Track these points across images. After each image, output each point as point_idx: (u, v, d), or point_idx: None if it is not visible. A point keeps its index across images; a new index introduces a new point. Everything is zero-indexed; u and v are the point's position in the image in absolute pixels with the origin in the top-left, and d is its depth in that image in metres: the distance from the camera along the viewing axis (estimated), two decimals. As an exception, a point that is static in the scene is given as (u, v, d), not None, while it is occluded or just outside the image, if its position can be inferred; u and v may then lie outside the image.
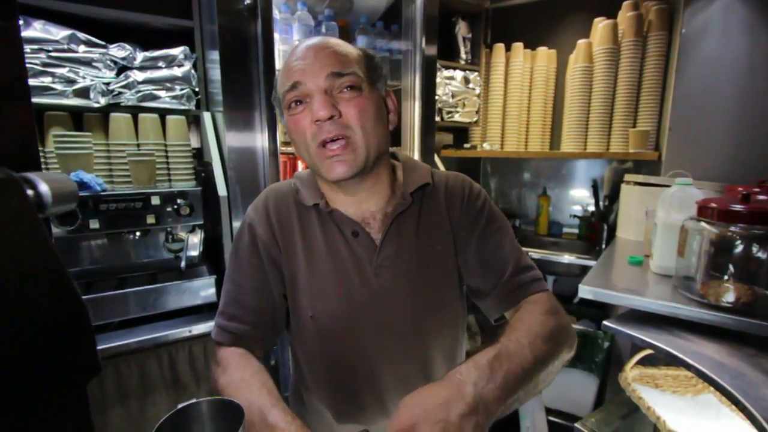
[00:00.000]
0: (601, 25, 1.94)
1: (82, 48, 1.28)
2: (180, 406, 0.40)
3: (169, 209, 1.30)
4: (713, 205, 0.95)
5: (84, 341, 0.25)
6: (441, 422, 0.44)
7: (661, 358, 1.15)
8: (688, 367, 0.82)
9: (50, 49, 1.23)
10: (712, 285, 0.96)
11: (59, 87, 1.25)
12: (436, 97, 1.89)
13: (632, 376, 1.11)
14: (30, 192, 0.24)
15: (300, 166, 1.60)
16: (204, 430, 0.42)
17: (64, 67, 1.25)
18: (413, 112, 1.73)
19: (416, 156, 1.75)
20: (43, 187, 0.24)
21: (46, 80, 1.22)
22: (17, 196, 0.22)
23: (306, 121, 0.65)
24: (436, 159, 1.93)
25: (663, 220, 1.16)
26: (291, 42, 1.51)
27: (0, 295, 0.21)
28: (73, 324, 0.24)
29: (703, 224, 0.97)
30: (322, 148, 0.65)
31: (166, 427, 0.38)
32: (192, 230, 1.41)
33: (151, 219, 1.27)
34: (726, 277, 0.96)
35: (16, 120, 0.29)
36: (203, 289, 1.31)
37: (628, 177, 1.72)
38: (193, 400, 0.41)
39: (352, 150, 0.65)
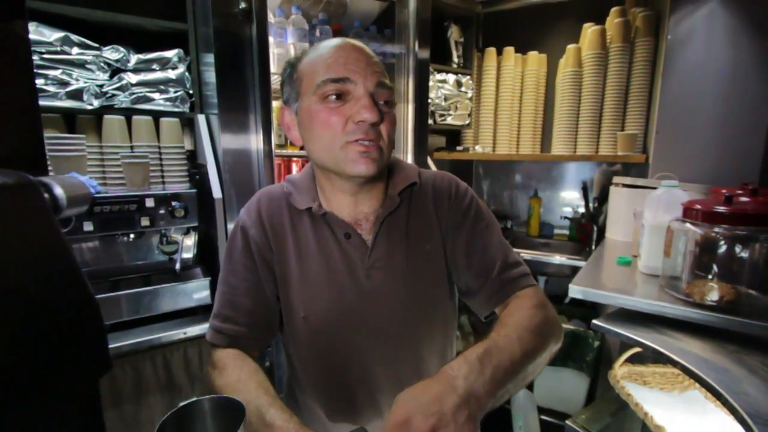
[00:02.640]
0: (590, 30, 1.98)
1: (75, 50, 1.28)
2: (182, 404, 0.41)
3: (163, 211, 1.30)
4: (698, 206, 0.98)
5: (96, 338, 0.26)
6: (436, 414, 0.46)
7: (649, 356, 1.18)
8: (674, 363, 0.85)
9: (43, 51, 1.22)
10: (697, 284, 0.99)
11: (52, 89, 1.25)
12: (429, 100, 1.92)
13: (621, 373, 1.13)
14: (46, 195, 0.25)
15: (294, 168, 1.61)
16: (205, 428, 0.43)
17: (57, 69, 1.25)
18: (407, 115, 1.75)
19: (410, 158, 1.77)
20: (58, 191, 0.25)
21: (39, 82, 1.22)
22: (35, 199, 0.23)
23: (340, 118, 0.65)
24: (429, 161, 1.95)
25: (650, 221, 1.18)
26: (286, 45, 1.52)
27: (20, 293, 0.22)
28: (87, 321, 0.25)
29: (688, 225, 1.00)
30: (352, 143, 0.66)
31: (168, 425, 0.39)
32: (186, 232, 1.41)
33: (145, 221, 1.27)
34: (710, 277, 0.99)
35: (25, 123, 0.30)
36: (198, 291, 1.31)
37: (616, 179, 1.75)
38: (195, 398, 0.42)
39: (379, 152, 0.67)
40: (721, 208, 0.94)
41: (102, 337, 0.26)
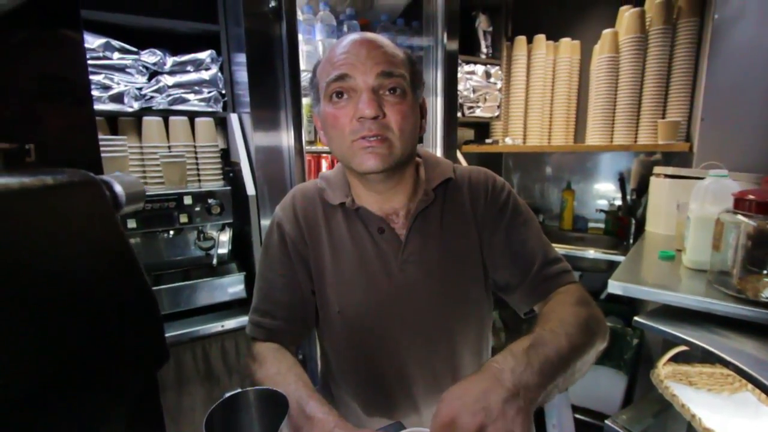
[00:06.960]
0: (627, 13, 1.88)
1: (116, 55, 1.34)
2: (228, 394, 0.43)
3: (199, 209, 1.34)
4: (751, 197, 0.92)
5: (155, 330, 0.27)
6: (482, 410, 0.45)
7: (695, 356, 1.12)
8: (727, 364, 0.80)
9: (88, 57, 1.29)
10: (750, 280, 0.93)
11: (96, 93, 1.31)
12: (457, 93, 1.88)
13: (665, 373, 1.08)
14: (107, 193, 0.26)
15: (324, 165, 1.62)
16: (250, 419, 0.45)
17: (100, 73, 1.31)
18: (435, 108, 1.73)
19: (439, 152, 1.75)
20: (119, 188, 0.26)
21: (83, 87, 1.28)
22: (98, 196, 0.24)
23: (347, 116, 0.65)
24: (458, 155, 1.92)
25: (696, 213, 1.12)
26: (314, 42, 1.53)
27: (85, 287, 0.23)
28: (146, 313, 0.26)
29: (740, 217, 0.94)
30: (357, 140, 0.66)
31: (216, 414, 0.41)
32: (222, 229, 1.46)
33: (183, 218, 1.32)
34: (765, 272, 0.92)
35: (81, 126, 0.32)
36: (233, 286, 1.35)
37: (657, 169, 1.66)
38: (240, 390, 0.43)
39: (388, 146, 0.66)
40: (778, 199, 0.88)
41: (160, 328, 0.27)
